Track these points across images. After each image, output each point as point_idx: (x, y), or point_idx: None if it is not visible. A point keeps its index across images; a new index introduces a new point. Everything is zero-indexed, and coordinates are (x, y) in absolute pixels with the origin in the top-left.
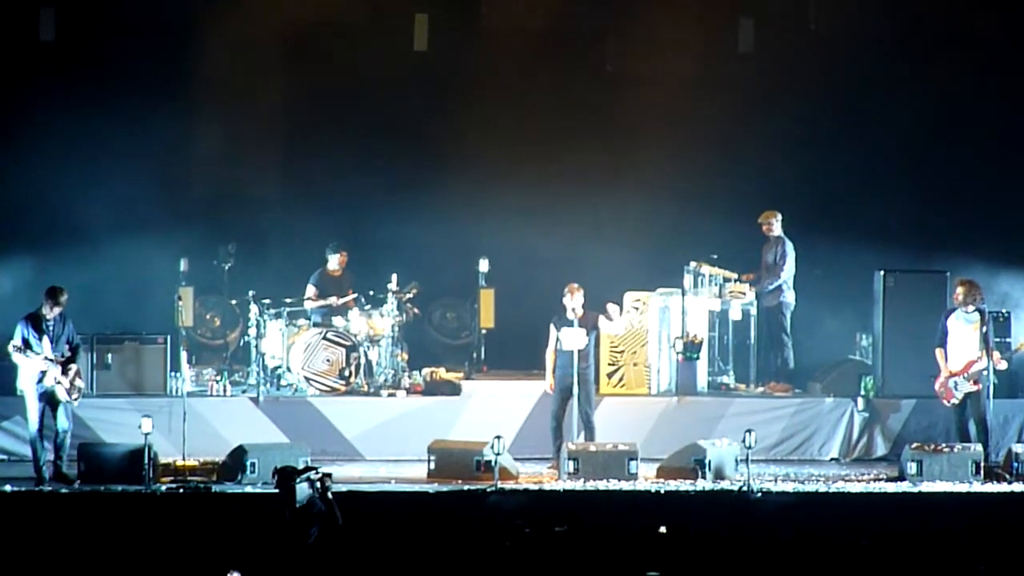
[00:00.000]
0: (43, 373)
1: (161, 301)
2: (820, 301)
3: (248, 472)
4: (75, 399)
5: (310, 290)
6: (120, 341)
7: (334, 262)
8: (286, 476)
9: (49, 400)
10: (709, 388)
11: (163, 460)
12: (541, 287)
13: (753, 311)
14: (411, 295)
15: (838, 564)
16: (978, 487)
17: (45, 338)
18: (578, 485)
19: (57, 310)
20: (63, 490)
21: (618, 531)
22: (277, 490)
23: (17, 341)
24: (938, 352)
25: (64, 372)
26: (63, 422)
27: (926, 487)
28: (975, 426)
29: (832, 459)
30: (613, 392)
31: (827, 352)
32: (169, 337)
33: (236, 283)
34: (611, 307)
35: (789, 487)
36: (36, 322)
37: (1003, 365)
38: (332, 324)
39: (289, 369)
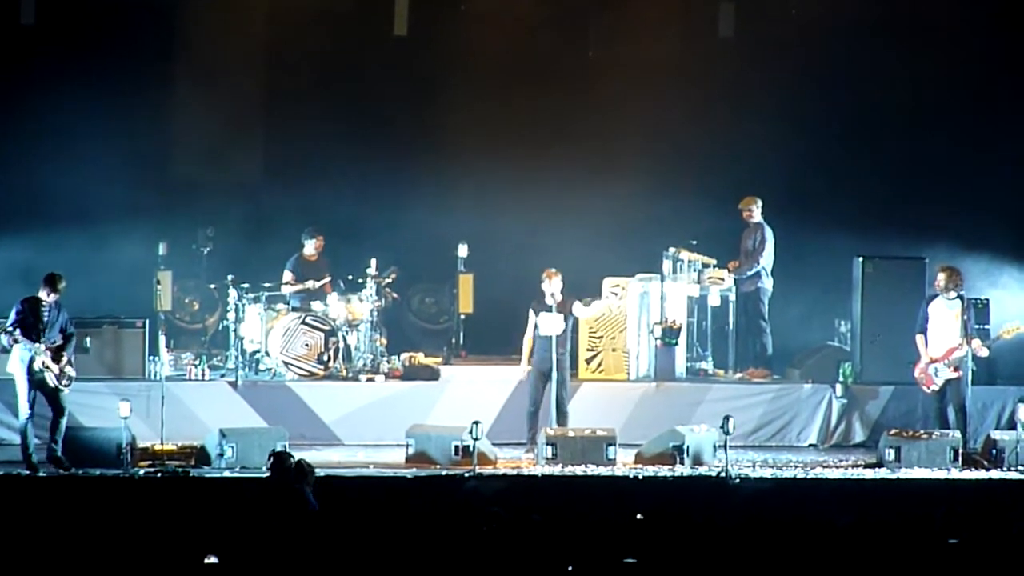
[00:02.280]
0: (32, 358)
1: (140, 285)
2: (799, 287)
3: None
4: (64, 386)
5: (287, 275)
6: (99, 325)
7: (310, 247)
8: (280, 460)
9: (41, 387)
10: (688, 374)
11: (141, 444)
12: (520, 272)
13: (732, 297)
14: (390, 280)
15: (816, 550)
16: (956, 474)
17: (39, 322)
18: (556, 470)
19: (54, 296)
20: (41, 474)
21: (596, 517)
22: (270, 473)
23: (7, 324)
24: (918, 338)
25: (55, 359)
26: (58, 408)
27: (904, 473)
28: (954, 413)
29: (810, 445)
30: (591, 377)
31: (806, 338)
32: (148, 321)
33: (215, 267)
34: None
35: (767, 473)
36: (32, 306)
37: (984, 352)
38: (311, 309)
39: (268, 353)
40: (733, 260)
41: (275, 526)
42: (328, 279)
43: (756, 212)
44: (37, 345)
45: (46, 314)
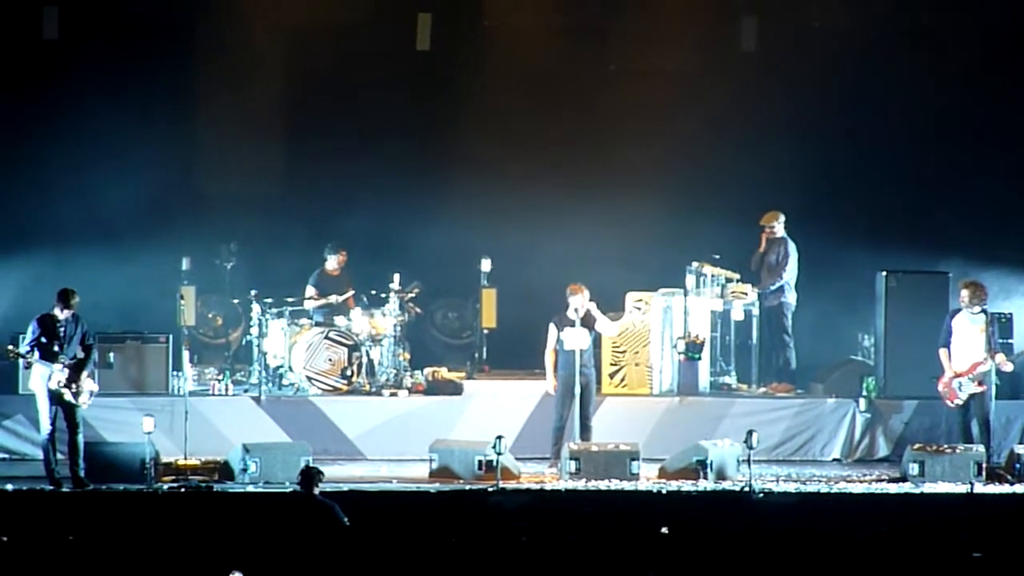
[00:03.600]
0: (50, 376)
1: (163, 300)
2: (823, 301)
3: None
4: (83, 402)
5: (309, 290)
6: (122, 340)
7: (333, 262)
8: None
9: (59, 402)
10: (711, 388)
11: (165, 459)
12: (543, 287)
13: (755, 311)
14: (413, 294)
15: (840, 565)
16: (980, 488)
17: (56, 340)
18: (580, 485)
19: (68, 312)
20: (65, 489)
21: (619, 532)
22: (301, 488)
23: (24, 346)
24: (942, 353)
25: (73, 375)
26: (72, 424)
27: (928, 488)
28: (978, 427)
29: (834, 460)
30: (615, 392)
31: (829, 353)
32: (171, 336)
33: (238, 282)
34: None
35: (791, 488)
36: (47, 323)
37: (1008, 367)
38: (334, 323)
39: (291, 368)
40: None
41: (306, 541)
42: (351, 294)
43: (779, 227)
44: (54, 365)
45: (62, 330)
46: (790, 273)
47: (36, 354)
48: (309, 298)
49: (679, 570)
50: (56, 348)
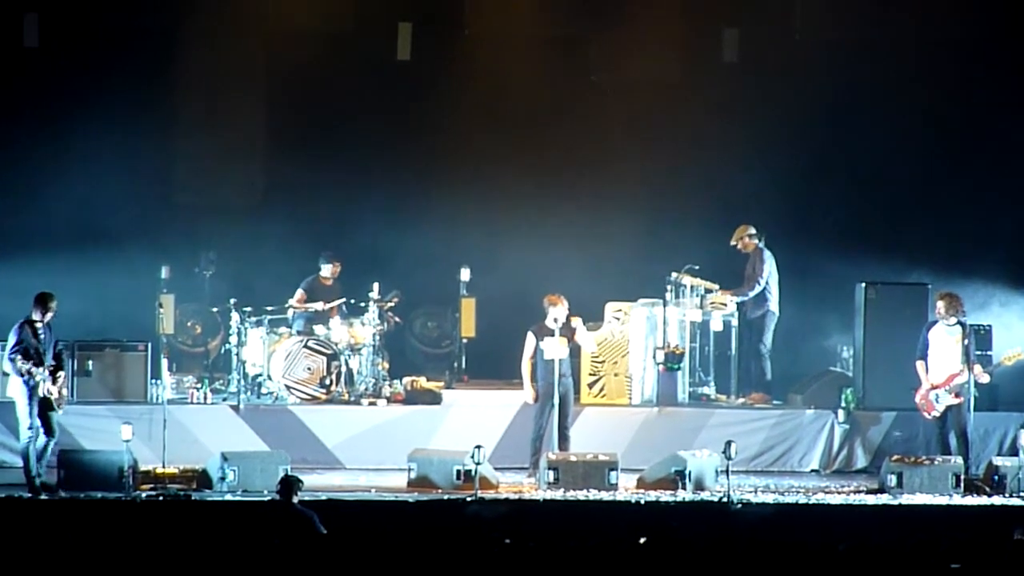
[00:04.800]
0: (37, 384)
1: (142, 308)
2: (802, 312)
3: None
4: (60, 408)
5: (298, 294)
6: (101, 348)
7: (327, 271)
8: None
9: (41, 409)
10: (690, 399)
11: (143, 467)
12: (522, 297)
13: (734, 322)
14: (392, 304)
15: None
16: (958, 500)
17: (40, 346)
18: (558, 495)
19: (48, 316)
20: (43, 496)
21: (597, 542)
22: (280, 497)
23: (9, 353)
24: (919, 365)
25: (53, 380)
26: (51, 430)
27: (906, 499)
28: (956, 439)
29: (812, 471)
30: (594, 402)
31: (808, 364)
32: (150, 344)
33: (217, 291)
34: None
35: (769, 498)
36: (31, 330)
37: (985, 379)
38: (313, 332)
39: (270, 377)
40: (729, 288)
41: (285, 550)
42: (338, 303)
43: (749, 240)
44: (40, 370)
45: (43, 335)
46: (767, 282)
47: (20, 359)
48: (289, 306)
49: None
50: (40, 354)
